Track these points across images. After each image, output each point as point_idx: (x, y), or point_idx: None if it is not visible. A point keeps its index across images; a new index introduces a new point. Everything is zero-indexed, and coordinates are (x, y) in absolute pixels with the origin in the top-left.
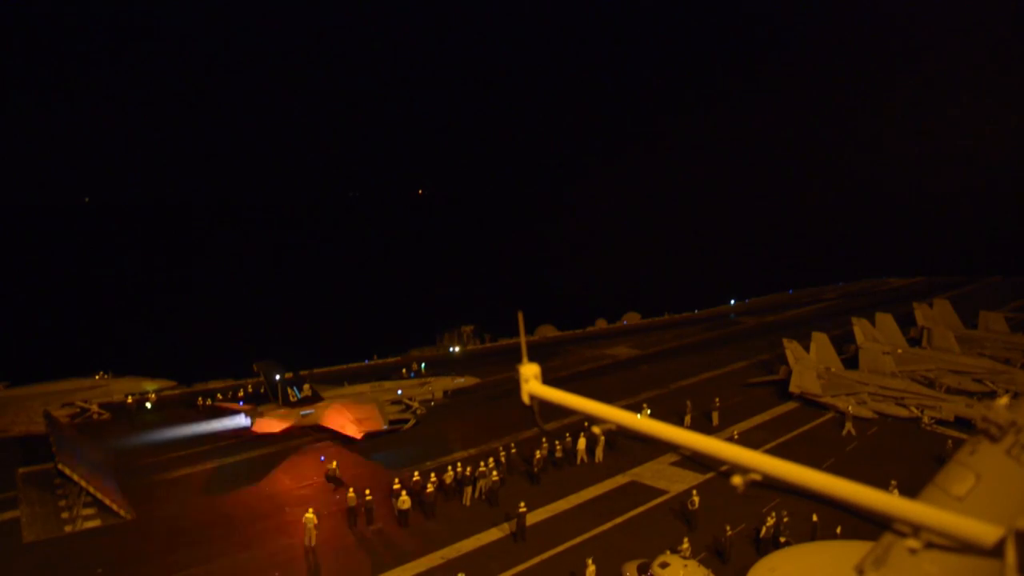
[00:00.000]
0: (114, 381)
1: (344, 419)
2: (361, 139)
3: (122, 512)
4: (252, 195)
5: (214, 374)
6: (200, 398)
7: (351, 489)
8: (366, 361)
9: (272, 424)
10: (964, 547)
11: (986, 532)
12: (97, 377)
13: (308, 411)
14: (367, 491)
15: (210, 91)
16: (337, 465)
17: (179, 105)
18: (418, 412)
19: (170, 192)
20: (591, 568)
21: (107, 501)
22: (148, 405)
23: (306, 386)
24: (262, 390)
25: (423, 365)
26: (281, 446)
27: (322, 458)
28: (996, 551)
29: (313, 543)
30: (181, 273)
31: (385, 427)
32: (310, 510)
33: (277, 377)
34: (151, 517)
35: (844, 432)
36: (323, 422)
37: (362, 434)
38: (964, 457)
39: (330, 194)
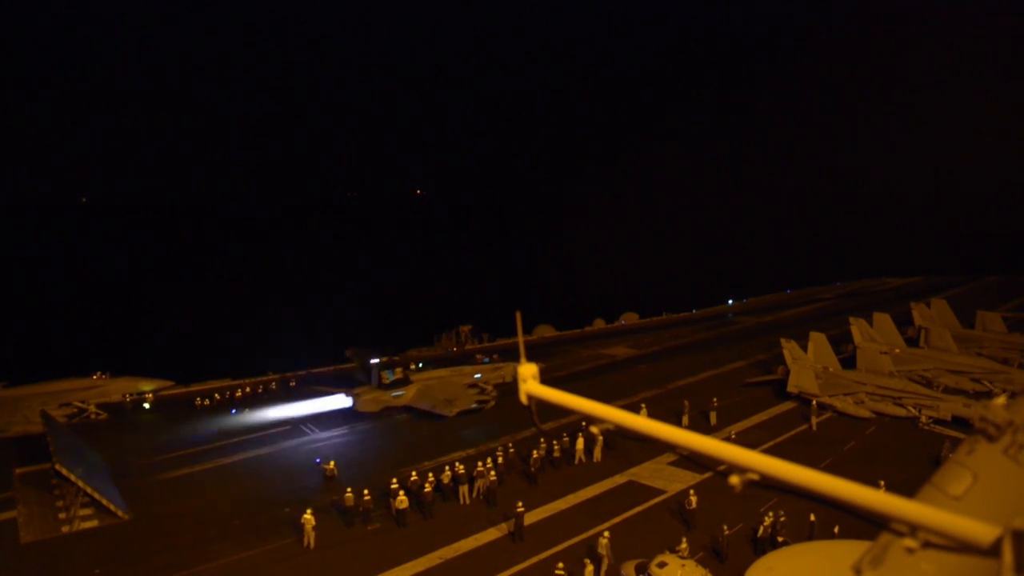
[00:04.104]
0: (111, 381)
1: (434, 400)
2: (359, 139)
3: (119, 513)
4: (244, 194)
5: (212, 374)
6: (198, 398)
7: (348, 489)
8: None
9: (369, 405)
10: (961, 547)
11: (983, 531)
12: (95, 377)
13: (399, 393)
14: (365, 491)
15: (202, 87)
16: (335, 466)
17: (172, 103)
18: (493, 395)
19: (165, 192)
20: (589, 568)
21: (104, 501)
22: (146, 405)
23: (398, 370)
24: (358, 372)
25: (420, 365)
26: (276, 447)
27: (317, 460)
28: (993, 550)
29: (312, 544)
30: (178, 273)
31: (474, 406)
32: (308, 511)
33: (373, 361)
34: (149, 517)
35: (810, 426)
36: (413, 403)
37: (455, 413)
38: (962, 457)
39: (329, 193)
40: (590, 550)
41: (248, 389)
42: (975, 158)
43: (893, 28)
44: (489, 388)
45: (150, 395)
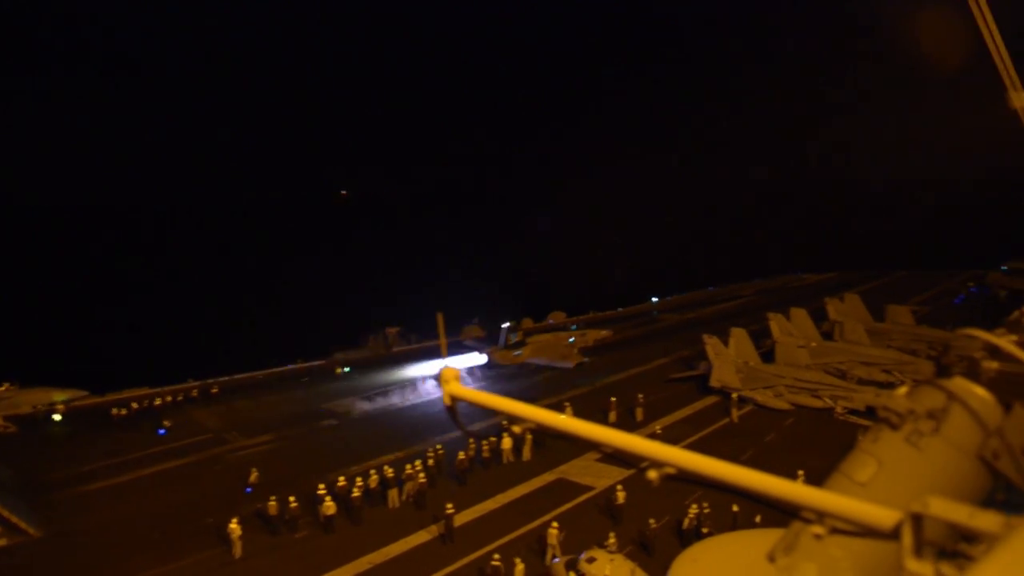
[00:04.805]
0: (20, 392)
1: (551, 356)
2: (275, 139)
3: (29, 530)
4: (152, 196)
5: (128, 383)
6: (114, 408)
7: (272, 497)
8: (289, 366)
9: (500, 359)
10: (866, 531)
11: (885, 516)
12: (2, 388)
13: (518, 352)
14: (291, 498)
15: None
16: (258, 473)
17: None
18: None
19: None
20: (520, 566)
21: (13, 519)
22: (57, 417)
23: (520, 333)
24: (469, 341)
25: (347, 369)
26: (196, 456)
27: (248, 490)
28: (895, 534)
29: (239, 553)
30: (92, 277)
31: (585, 360)
32: (234, 520)
33: (504, 326)
34: (62, 534)
35: (731, 419)
36: (531, 359)
37: (575, 364)
38: (867, 445)
39: (250, 194)
40: (540, 540)
41: (168, 398)
42: (886, 161)
43: (812, 25)
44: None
45: (62, 406)
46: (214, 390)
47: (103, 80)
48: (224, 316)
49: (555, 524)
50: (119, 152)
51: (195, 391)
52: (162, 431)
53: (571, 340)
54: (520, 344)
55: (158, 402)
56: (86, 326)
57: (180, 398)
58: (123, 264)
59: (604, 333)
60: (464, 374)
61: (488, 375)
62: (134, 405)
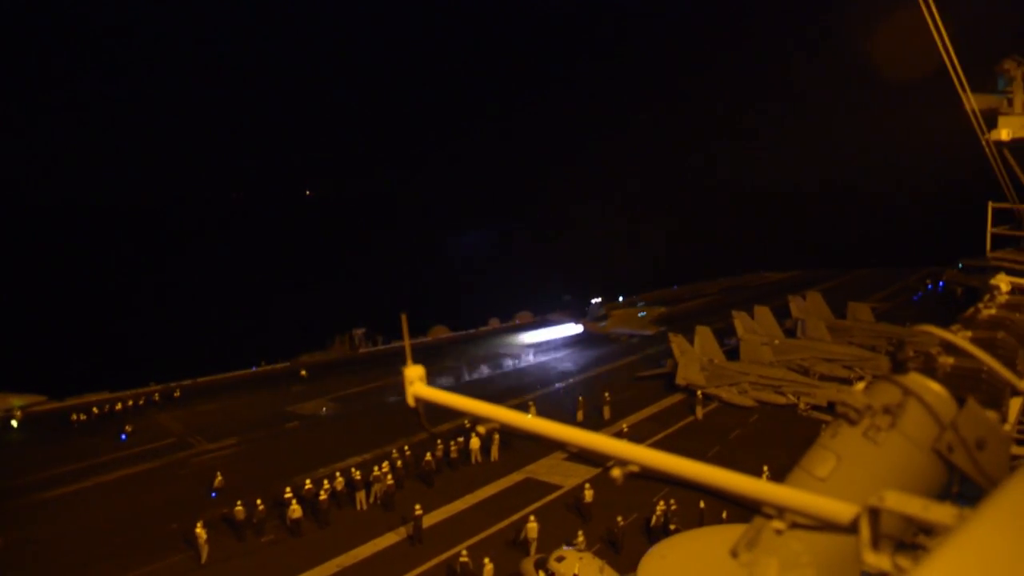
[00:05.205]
0: None
1: (632, 326)
2: (241, 139)
3: None
4: (112, 195)
5: (88, 387)
6: (74, 413)
7: (239, 502)
8: (253, 368)
9: (591, 328)
10: (825, 525)
11: (843, 510)
12: None
13: (603, 323)
14: (258, 501)
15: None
16: (222, 477)
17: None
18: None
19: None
20: (488, 566)
21: None
22: (14, 423)
23: (604, 308)
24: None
25: (303, 372)
26: (159, 461)
27: (214, 494)
28: (852, 528)
29: (205, 559)
30: (48, 279)
31: (661, 329)
32: (199, 525)
33: (594, 301)
34: (21, 542)
35: (696, 416)
36: (613, 328)
37: (653, 332)
38: (826, 440)
39: (212, 195)
40: (517, 534)
41: (130, 402)
42: (844, 160)
43: (774, 23)
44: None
45: (19, 412)
46: (177, 393)
47: None
48: (187, 318)
49: (532, 518)
50: (77, 151)
51: (157, 395)
52: (124, 436)
53: (641, 315)
54: (604, 317)
55: (119, 406)
56: (43, 329)
57: (142, 402)
58: (81, 266)
59: (662, 310)
60: (562, 343)
61: (585, 339)
62: (95, 410)
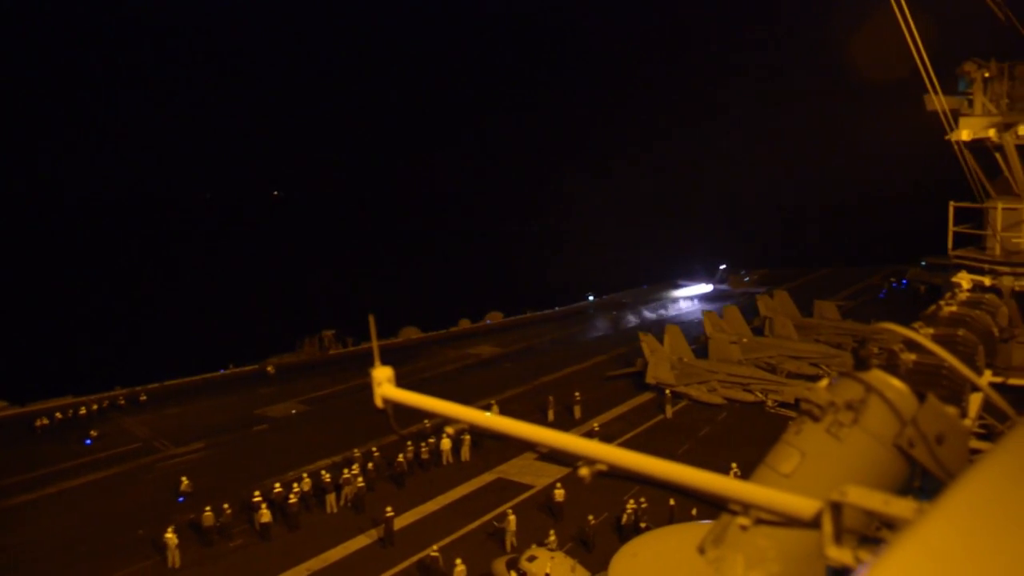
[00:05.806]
0: None
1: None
2: (214, 137)
3: None
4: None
5: (52, 391)
6: (37, 419)
7: (207, 508)
8: (221, 371)
9: (733, 286)
10: (789, 521)
11: (806, 506)
12: None
13: (747, 279)
14: (225, 506)
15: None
16: (189, 481)
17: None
18: None
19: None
20: (460, 567)
21: None
22: None
23: (743, 273)
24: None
25: (270, 369)
26: (125, 466)
27: (181, 499)
28: (815, 523)
29: (176, 564)
30: (10, 280)
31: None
32: (169, 530)
33: (721, 267)
34: None
35: (665, 415)
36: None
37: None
38: (790, 437)
39: (184, 195)
40: (496, 531)
41: (95, 407)
42: (810, 163)
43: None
44: None
45: None
46: (143, 397)
47: None
48: (154, 321)
49: (511, 511)
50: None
51: (123, 399)
52: (89, 441)
53: (746, 279)
54: (724, 279)
55: (84, 411)
56: (3, 333)
57: (107, 406)
58: (44, 269)
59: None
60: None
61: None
62: (58, 415)
